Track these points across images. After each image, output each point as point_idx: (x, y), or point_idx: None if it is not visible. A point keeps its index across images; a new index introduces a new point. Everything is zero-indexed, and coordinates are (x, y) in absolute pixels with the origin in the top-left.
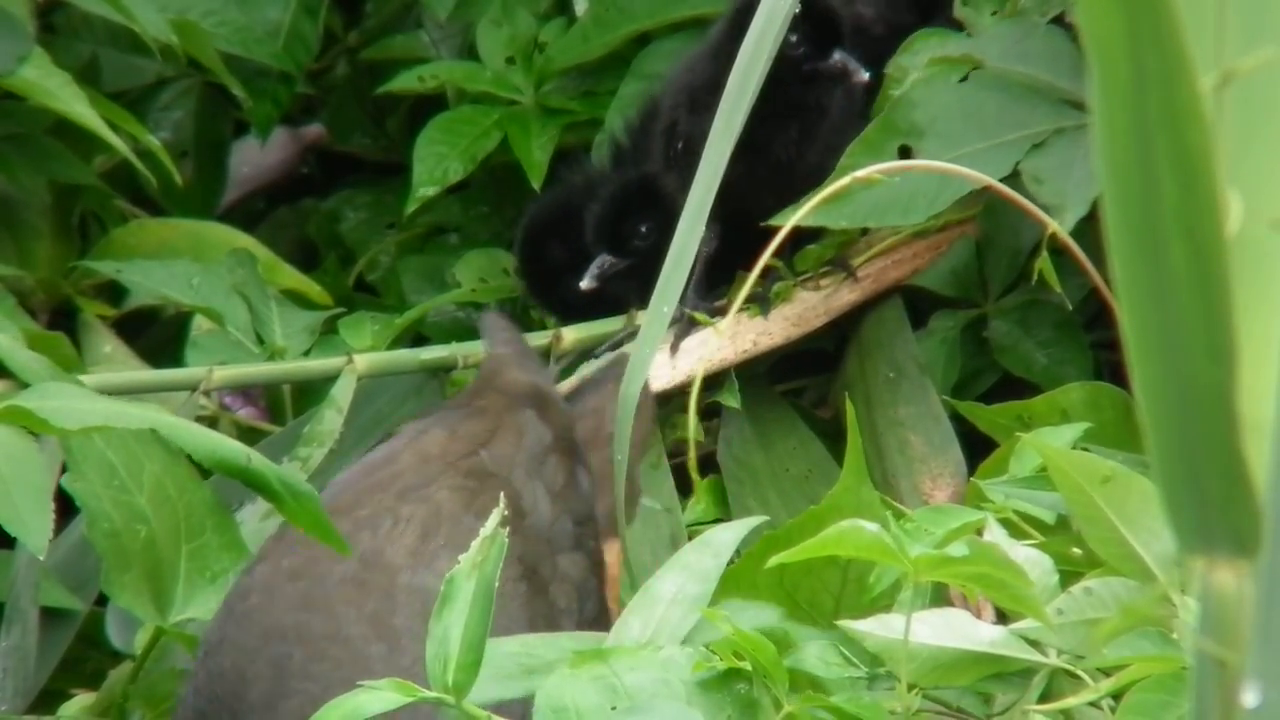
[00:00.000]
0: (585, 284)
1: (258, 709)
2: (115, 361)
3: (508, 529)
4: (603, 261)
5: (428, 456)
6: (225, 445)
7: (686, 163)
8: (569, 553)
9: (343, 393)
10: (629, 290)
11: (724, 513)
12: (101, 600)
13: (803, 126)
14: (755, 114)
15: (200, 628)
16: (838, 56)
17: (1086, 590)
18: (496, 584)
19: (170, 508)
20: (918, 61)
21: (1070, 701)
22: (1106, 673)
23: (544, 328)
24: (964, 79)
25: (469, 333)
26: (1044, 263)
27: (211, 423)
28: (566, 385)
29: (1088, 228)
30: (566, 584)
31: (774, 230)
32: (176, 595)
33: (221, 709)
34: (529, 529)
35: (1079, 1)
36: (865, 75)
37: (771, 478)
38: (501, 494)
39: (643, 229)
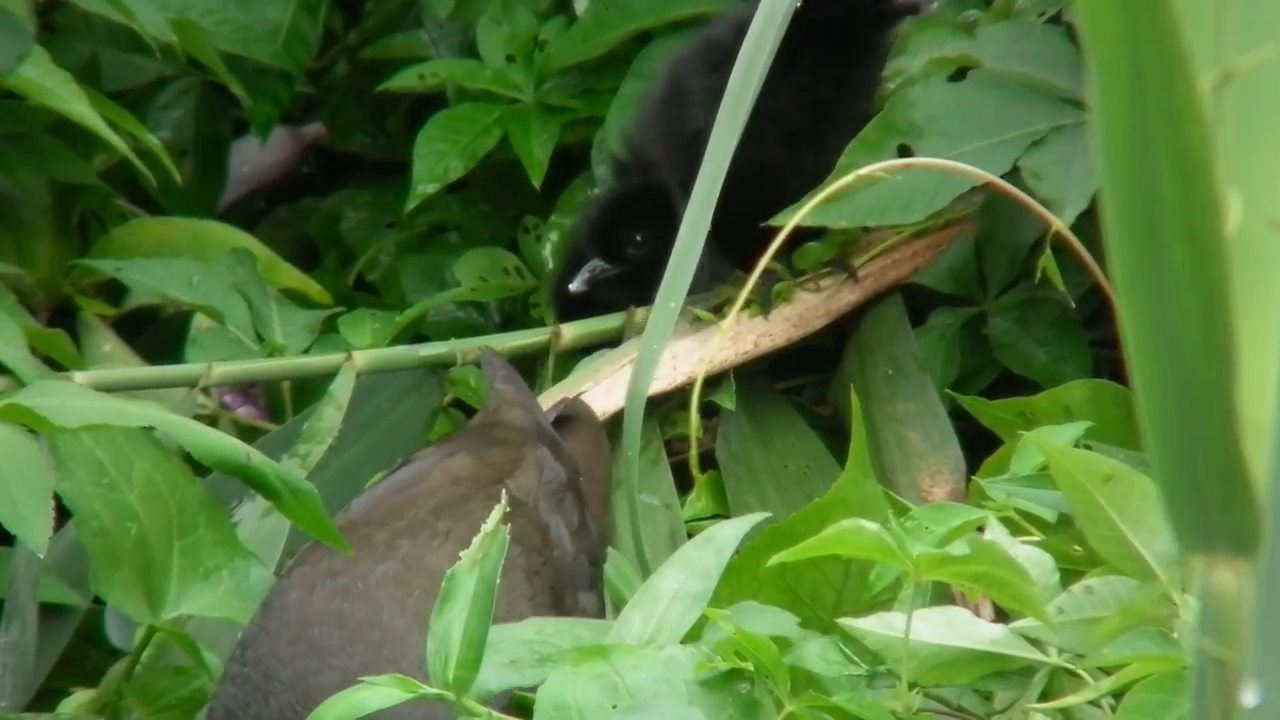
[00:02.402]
0: (574, 287)
1: (290, 685)
2: (115, 360)
3: (541, 557)
4: (594, 267)
5: (458, 478)
6: (225, 443)
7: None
8: (586, 591)
9: (342, 389)
10: (620, 297)
11: (722, 509)
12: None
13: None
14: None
15: (196, 625)
16: None
17: (1087, 589)
18: (529, 607)
19: (161, 504)
20: (916, 62)
21: (1071, 700)
22: (1107, 671)
23: (543, 324)
24: (963, 78)
25: (469, 331)
26: (1047, 260)
27: (211, 421)
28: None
29: (1087, 225)
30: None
31: (771, 229)
32: (169, 592)
33: (255, 692)
34: (557, 561)
35: (1078, 1)
36: (935, 4)
37: (770, 474)
38: (503, 490)
39: (638, 238)
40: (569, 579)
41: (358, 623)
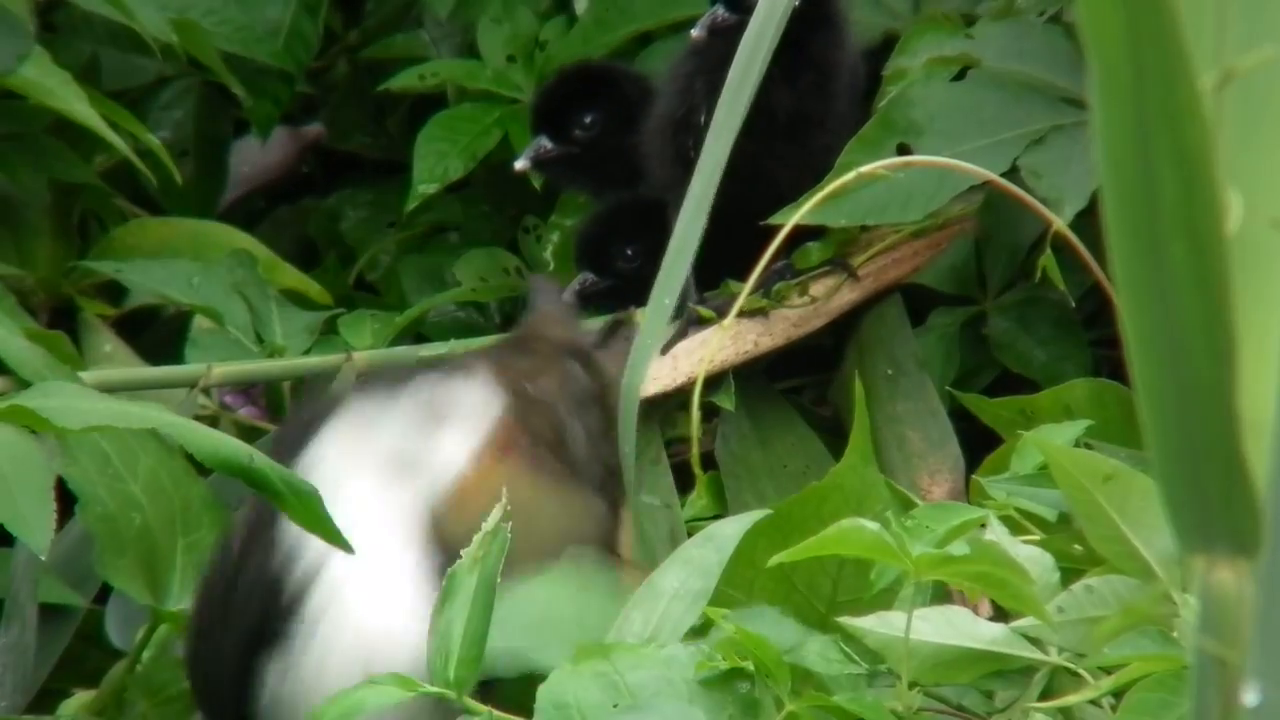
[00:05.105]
0: (563, 298)
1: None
2: (116, 361)
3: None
4: (584, 279)
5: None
6: (227, 444)
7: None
8: (593, 494)
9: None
10: (610, 311)
11: (722, 508)
12: (101, 598)
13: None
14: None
15: None
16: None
17: (1087, 588)
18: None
19: (166, 500)
20: (916, 61)
21: (1071, 699)
22: (1107, 671)
23: None
24: (962, 77)
25: (469, 331)
26: (1047, 259)
27: (212, 422)
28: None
29: (1087, 224)
30: None
31: (768, 228)
32: (173, 586)
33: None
34: (568, 456)
35: (1078, 1)
36: (721, 14)
37: (769, 473)
38: (505, 489)
39: (628, 251)
40: (577, 476)
41: None
